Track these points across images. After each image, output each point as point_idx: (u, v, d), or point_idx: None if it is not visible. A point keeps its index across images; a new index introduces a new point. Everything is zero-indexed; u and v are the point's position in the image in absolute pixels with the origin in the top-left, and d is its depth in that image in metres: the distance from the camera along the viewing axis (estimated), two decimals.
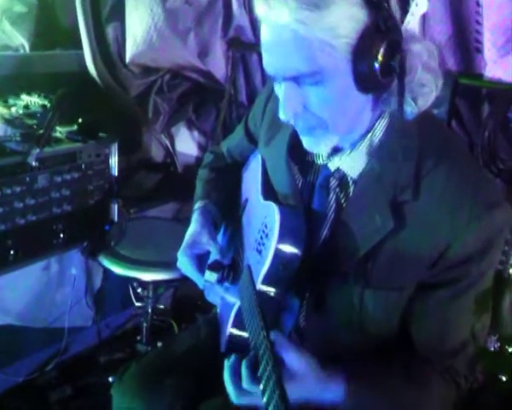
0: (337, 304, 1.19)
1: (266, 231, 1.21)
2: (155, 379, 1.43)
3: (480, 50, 2.02)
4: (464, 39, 2.03)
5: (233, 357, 1.06)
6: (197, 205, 1.48)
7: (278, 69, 1.03)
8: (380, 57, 0.97)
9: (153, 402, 1.40)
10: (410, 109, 1.06)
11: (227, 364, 1.05)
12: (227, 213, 1.51)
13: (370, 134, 1.12)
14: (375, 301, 1.15)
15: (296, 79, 1.02)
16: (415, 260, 1.09)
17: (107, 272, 2.36)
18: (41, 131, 1.84)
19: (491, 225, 1.06)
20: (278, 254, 1.14)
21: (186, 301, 2.49)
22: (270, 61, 1.04)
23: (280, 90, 1.07)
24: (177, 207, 2.63)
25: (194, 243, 1.36)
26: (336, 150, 1.14)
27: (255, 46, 2.53)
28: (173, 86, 2.66)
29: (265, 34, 1.02)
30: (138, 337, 2.32)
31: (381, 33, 0.97)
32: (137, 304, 2.10)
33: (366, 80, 1.00)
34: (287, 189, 1.27)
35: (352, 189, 1.16)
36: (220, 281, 1.32)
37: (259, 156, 1.43)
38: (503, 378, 1.98)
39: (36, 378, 2.31)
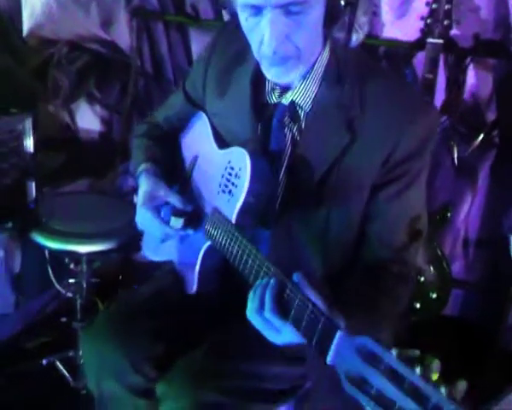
0: (304, 231, 1.28)
1: (234, 172, 1.28)
2: (129, 321, 1.38)
3: (376, 14, 2.22)
4: None
5: (273, 280, 1.08)
6: (141, 168, 1.46)
7: None
8: None
9: (129, 344, 1.34)
10: (356, 37, 1.20)
11: (269, 285, 1.07)
12: (173, 172, 1.52)
13: (317, 63, 1.23)
14: (339, 218, 1.26)
15: (286, 7, 1.08)
16: (369, 165, 1.22)
17: (25, 254, 2.27)
18: None
19: (429, 125, 1.23)
20: (252, 189, 1.23)
21: (107, 278, 2.45)
22: None
23: (264, 20, 1.11)
24: (89, 183, 2.57)
25: (152, 198, 1.38)
26: (288, 87, 1.25)
27: (160, 15, 2.54)
28: (72, 59, 2.59)
29: None
30: (63, 319, 2.26)
31: None
32: (70, 280, 2.04)
33: (334, 14, 1.13)
34: (247, 133, 1.32)
35: (304, 120, 1.27)
36: (185, 227, 1.38)
37: (203, 116, 1.48)
38: (417, 306, 2.24)
39: None
